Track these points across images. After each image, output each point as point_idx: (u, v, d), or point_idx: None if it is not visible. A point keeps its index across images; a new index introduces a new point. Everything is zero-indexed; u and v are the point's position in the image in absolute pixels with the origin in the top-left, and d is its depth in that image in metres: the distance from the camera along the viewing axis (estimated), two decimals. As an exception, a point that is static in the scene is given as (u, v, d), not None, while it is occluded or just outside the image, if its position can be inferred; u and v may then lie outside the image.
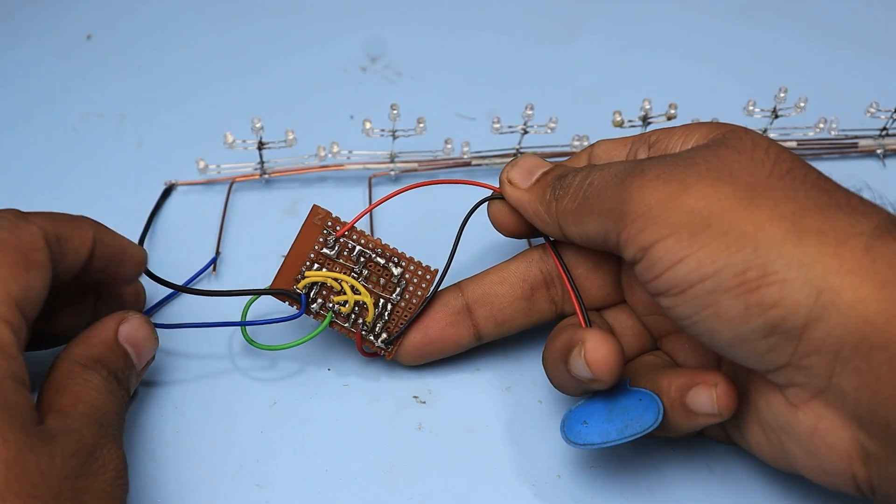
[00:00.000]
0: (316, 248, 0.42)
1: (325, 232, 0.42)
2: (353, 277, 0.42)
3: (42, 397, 0.35)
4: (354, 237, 0.42)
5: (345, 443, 0.42)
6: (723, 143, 0.37)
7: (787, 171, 0.35)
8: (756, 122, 0.52)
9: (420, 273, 0.42)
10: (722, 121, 0.50)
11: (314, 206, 0.42)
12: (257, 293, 0.42)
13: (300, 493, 0.39)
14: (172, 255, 0.49)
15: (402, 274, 0.42)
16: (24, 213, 0.37)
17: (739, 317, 0.33)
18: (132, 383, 0.39)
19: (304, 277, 0.41)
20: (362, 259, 0.42)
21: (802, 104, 0.51)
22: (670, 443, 0.42)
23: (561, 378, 0.38)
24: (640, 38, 0.62)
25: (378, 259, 0.42)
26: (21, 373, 0.32)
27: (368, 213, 0.50)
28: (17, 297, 0.33)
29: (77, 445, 0.33)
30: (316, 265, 0.42)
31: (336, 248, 0.41)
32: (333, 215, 0.42)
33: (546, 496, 0.41)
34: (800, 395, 0.34)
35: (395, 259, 0.42)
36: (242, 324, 0.42)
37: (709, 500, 0.41)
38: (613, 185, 0.37)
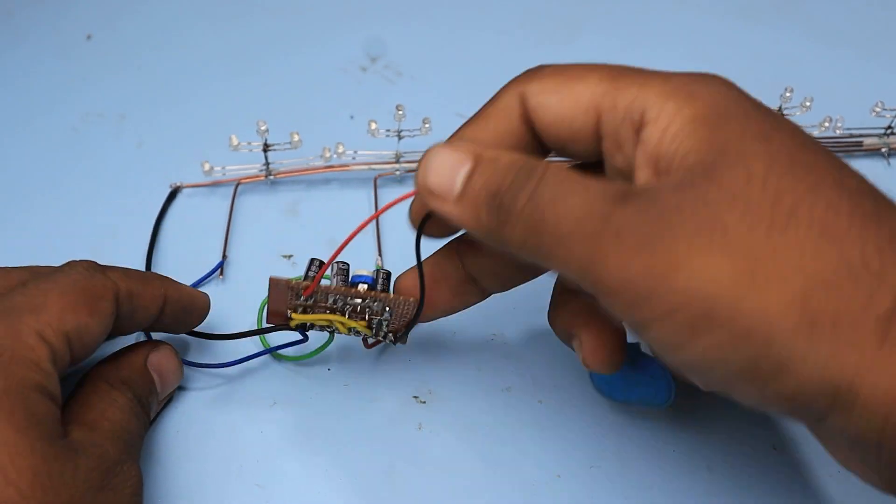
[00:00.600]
0: (288, 306, 0.41)
1: (290, 293, 0.41)
2: (339, 315, 0.41)
3: (68, 411, 0.36)
4: (319, 294, 0.40)
5: (345, 443, 0.42)
6: (713, 175, 0.30)
7: (790, 214, 0.29)
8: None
9: (401, 300, 0.41)
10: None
11: (270, 278, 0.41)
12: (260, 332, 0.43)
13: (300, 493, 0.39)
14: (179, 259, 0.49)
15: (383, 307, 0.41)
16: (103, 266, 0.38)
17: (756, 399, 0.30)
18: (153, 410, 0.40)
19: (291, 319, 0.42)
20: (339, 304, 0.41)
21: (808, 103, 0.52)
22: (671, 442, 0.42)
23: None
24: (640, 38, 0.63)
25: (354, 300, 0.41)
26: (52, 388, 0.33)
27: (376, 220, 0.50)
28: (70, 330, 0.34)
29: (100, 460, 0.33)
30: (299, 309, 0.41)
31: (311, 299, 0.41)
32: (293, 281, 0.41)
33: (546, 496, 0.41)
34: (825, 443, 0.32)
35: (371, 297, 0.40)
36: (267, 352, 0.43)
37: (708, 499, 0.41)
38: (580, 238, 0.30)
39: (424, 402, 0.44)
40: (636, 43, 0.62)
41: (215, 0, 0.63)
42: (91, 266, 0.37)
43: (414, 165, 0.52)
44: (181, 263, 0.48)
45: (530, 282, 0.47)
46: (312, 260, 0.40)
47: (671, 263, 0.29)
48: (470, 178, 0.33)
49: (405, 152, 0.52)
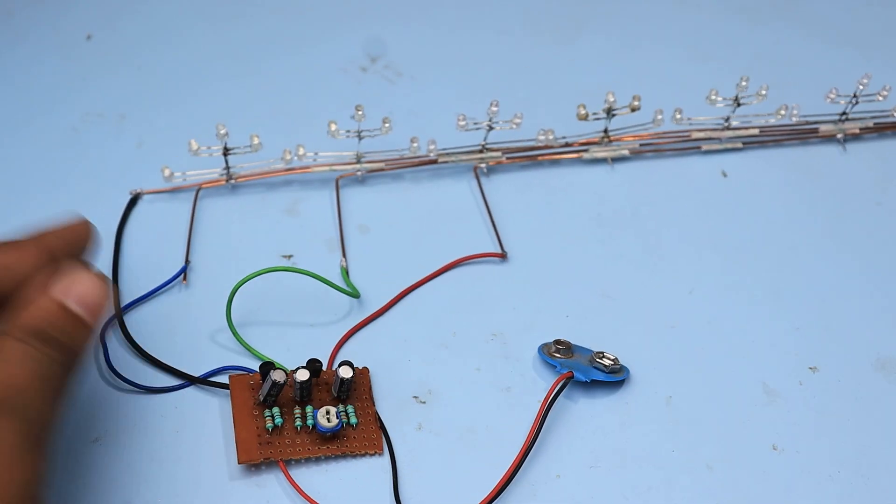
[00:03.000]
0: (254, 406, 0.43)
1: (254, 393, 0.43)
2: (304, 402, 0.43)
3: None
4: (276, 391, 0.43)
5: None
6: None
7: None
8: (719, 111, 0.56)
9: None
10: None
11: (231, 377, 0.44)
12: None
13: (300, 494, 0.40)
14: (142, 267, 0.50)
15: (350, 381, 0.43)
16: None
17: None
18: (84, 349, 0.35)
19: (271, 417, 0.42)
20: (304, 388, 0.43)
21: (764, 92, 0.54)
22: (671, 442, 0.43)
23: None
24: (640, 38, 0.64)
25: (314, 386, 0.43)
26: None
27: (339, 221, 0.51)
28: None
29: None
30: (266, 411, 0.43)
31: (273, 396, 0.43)
32: (249, 378, 0.44)
33: (546, 496, 0.41)
34: None
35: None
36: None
37: (709, 500, 0.41)
38: None
39: (424, 403, 0.44)
40: (636, 43, 0.63)
41: (215, 0, 0.64)
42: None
43: (375, 165, 0.53)
44: (144, 270, 0.49)
45: (533, 283, 0.49)
46: (270, 372, 0.42)
47: None
48: None
49: (366, 153, 0.53)
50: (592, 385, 0.45)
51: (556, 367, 0.45)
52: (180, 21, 0.62)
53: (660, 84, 0.58)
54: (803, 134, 0.58)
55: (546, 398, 0.43)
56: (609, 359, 0.46)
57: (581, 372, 0.45)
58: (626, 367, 0.46)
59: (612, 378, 0.45)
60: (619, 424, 0.44)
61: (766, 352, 0.47)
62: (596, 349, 0.46)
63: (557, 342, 0.46)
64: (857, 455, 0.43)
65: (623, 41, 0.63)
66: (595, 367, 0.46)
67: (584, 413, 0.44)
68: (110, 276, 0.48)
